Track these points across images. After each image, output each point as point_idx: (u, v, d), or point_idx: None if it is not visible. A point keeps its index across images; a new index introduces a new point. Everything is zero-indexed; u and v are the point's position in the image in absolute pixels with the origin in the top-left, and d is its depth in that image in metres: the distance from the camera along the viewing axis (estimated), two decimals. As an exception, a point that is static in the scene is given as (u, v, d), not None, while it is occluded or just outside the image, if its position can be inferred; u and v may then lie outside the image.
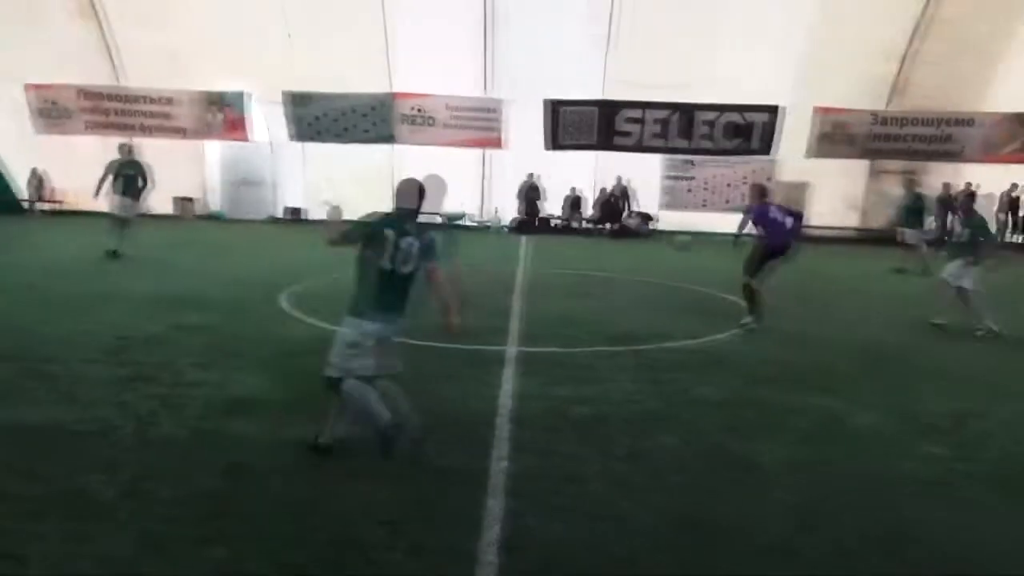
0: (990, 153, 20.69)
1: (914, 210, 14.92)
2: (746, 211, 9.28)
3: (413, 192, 4.57)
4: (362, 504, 3.88)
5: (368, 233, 4.41)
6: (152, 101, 21.93)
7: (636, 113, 21.05)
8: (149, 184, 13.68)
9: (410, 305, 4.54)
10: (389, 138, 21.78)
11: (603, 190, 22.33)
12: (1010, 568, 3.48)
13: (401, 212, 4.53)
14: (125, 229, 13.31)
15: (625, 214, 22.36)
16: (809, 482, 4.35)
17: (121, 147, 13.87)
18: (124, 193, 13.36)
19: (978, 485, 4.39)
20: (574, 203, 22.65)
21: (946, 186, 18.59)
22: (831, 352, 7.72)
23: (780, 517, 3.90)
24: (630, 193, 22.22)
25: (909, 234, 14.73)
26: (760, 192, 9.37)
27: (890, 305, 10.75)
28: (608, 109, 21.08)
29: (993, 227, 21.25)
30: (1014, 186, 20.78)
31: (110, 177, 13.40)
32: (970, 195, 9.28)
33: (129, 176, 13.43)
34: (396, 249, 4.35)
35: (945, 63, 20.38)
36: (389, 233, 4.36)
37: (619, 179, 22.14)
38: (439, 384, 6.06)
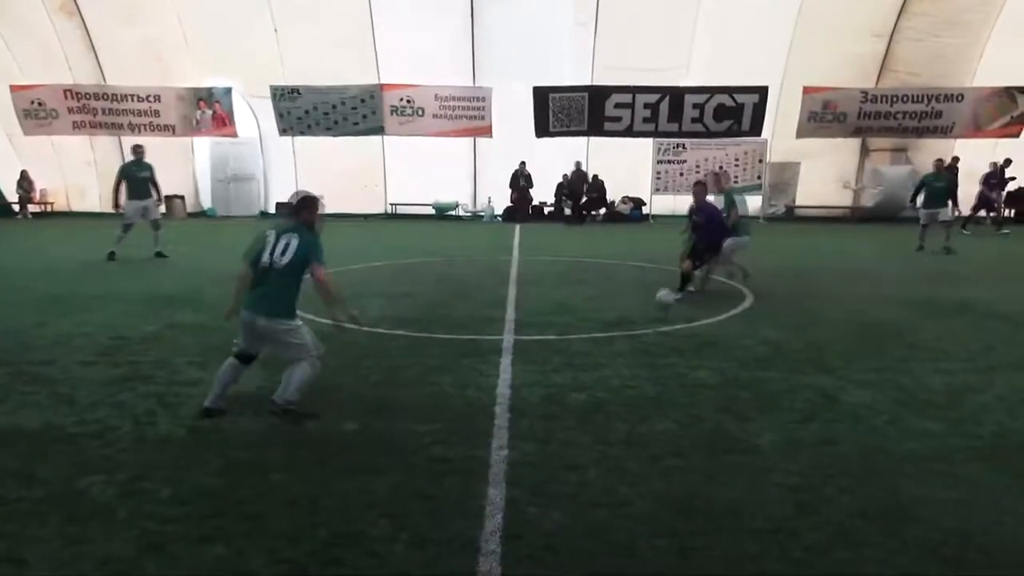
0: (980, 128, 20.74)
1: (948, 190, 15.20)
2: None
3: (299, 201, 5.19)
4: (362, 498, 3.88)
5: (256, 244, 4.99)
6: (139, 99, 21.76)
7: (626, 98, 21.00)
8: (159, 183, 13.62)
9: (289, 301, 4.92)
10: (379, 130, 21.71)
11: (592, 178, 22.28)
12: (1009, 544, 3.49)
13: (287, 220, 5.18)
14: (158, 231, 13.38)
15: (617, 201, 22.37)
16: (807, 463, 4.36)
17: (135, 148, 13.66)
18: (140, 197, 13.26)
19: (976, 461, 4.40)
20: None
21: (955, 159, 19.33)
22: (826, 331, 7.74)
23: (779, 499, 3.91)
24: (588, 179, 22.08)
25: (943, 214, 15.04)
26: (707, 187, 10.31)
27: (883, 283, 10.76)
28: (598, 95, 21.02)
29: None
30: (1007, 161, 20.80)
31: (124, 183, 13.29)
32: (716, 174, 10.24)
33: (142, 179, 13.31)
34: (274, 246, 4.91)
35: (931, 39, 20.40)
36: (270, 233, 5.02)
37: (577, 164, 22.05)
38: (437, 374, 6.09)
